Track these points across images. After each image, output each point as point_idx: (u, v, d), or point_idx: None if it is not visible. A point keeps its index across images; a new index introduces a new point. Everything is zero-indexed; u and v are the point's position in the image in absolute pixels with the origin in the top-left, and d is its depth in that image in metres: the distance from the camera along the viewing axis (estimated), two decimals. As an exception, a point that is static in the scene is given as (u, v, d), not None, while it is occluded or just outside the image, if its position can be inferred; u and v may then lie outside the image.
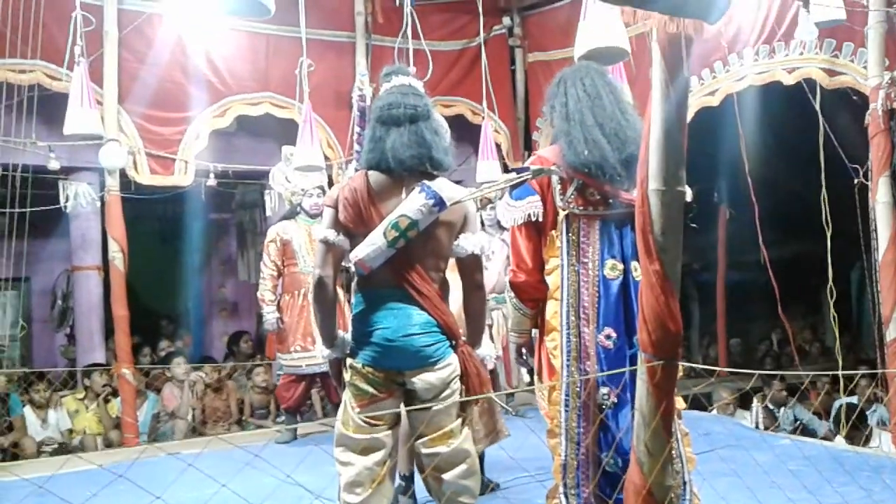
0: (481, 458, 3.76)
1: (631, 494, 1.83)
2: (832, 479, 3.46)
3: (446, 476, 2.54)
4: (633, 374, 2.65)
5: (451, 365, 2.55)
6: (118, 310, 5.50)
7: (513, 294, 2.95)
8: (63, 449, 5.60)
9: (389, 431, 2.56)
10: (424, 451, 2.54)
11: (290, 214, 5.37)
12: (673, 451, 2.62)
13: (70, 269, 6.74)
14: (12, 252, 5.60)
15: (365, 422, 2.52)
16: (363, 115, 3.00)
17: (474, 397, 2.59)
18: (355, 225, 2.53)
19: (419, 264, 2.52)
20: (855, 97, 4.86)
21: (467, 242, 2.59)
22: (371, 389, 2.52)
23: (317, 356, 5.13)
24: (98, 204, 6.05)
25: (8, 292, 7.45)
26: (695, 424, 3.11)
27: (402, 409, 2.61)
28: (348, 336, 2.64)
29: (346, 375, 2.59)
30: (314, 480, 3.46)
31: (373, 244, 2.47)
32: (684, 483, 2.78)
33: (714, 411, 6.07)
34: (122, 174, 5.66)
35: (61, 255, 7.33)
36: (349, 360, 2.59)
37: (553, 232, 2.85)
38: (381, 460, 2.53)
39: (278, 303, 5.21)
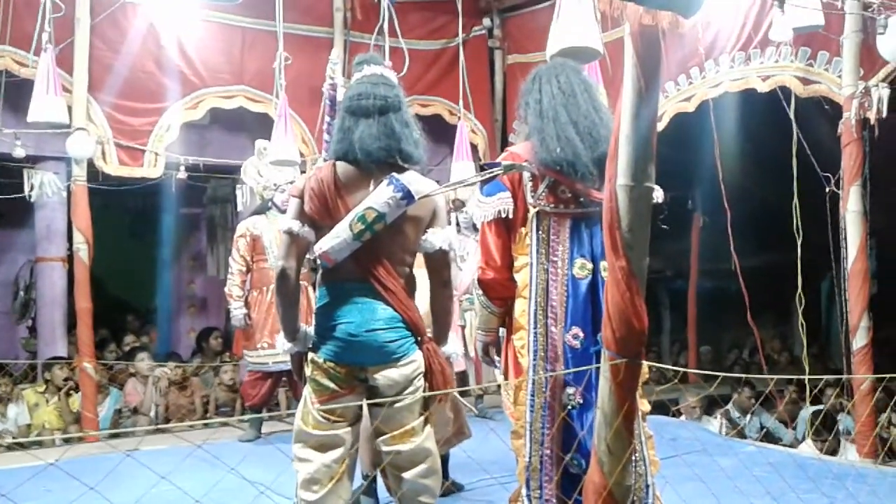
0: (445, 458, 3.71)
1: (591, 494, 1.80)
2: (796, 485, 3.46)
3: (406, 475, 2.50)
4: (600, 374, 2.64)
5: (414, 362, 2.50)
6: (81, 302, 5.39)
7: (481, 292, 2.92)
8: (18, 445, 5.46)
9: (349, 428, 2.51)
10: (385, 448, 2.50)
11: (261, 209, 5.31)
12: (636, 454, 2.60)
13: (34, 259, 6.60)
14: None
15: (324, 417, 2.48)
16: (333, 104, 2.96)
17: (437, 392, 2.55)
18: (321, 216, 2.48)
19: (385, 258, 2.48)
20: (827, 107, 4.89)
21: (435, 238, 2.54)
22: (332, 385, 2.48)
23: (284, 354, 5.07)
24: (64, 194, 5.92)
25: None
26: (661, 429, 3.10)
27: (364, 404, 2.56)
28: (310, 330, 2.59)
29: (307, 370, 2.54)
30: (273, 478, 3.41)
31: (338, 236, 2.42)
32: (647, 486, 2.76)
33: (682, 416, 6.08)
34: (90, 164, 5.56)
35: (25, 246, 7.18)
36: (310, 355, 2.54)
37: (523, 229, 2.82)
38: (340, 458, 2.48)
39: (246, 299, 5.14)
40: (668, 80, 5.63)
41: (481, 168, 2.82)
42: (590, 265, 2.81)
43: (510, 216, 2.82)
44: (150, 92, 5.89)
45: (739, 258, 5.26)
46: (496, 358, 3.07)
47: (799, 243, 4.98)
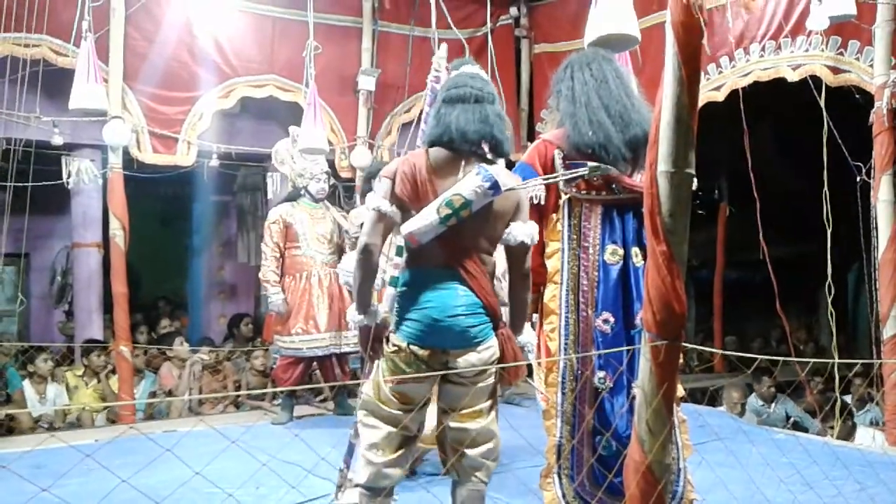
0: None
1: (631, 471, 1.85)
2: (827, 472, 3.49)
3: (469, 451, 2.57)
4: (631, 359, 2.69)
5: (492, 347, 2.56)
6: (118, 287, 5.50)
7: None
8: (55, 428, 5.61)
9: (416, 413, 2.58)
10: (453, 424, 2.57)
11: (293, 196, 5.37)
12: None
13: (70, 245, 6.74)
14: (12, 227, 5.59)
15: (395, 397, 2.55)
16: (434, 96, 3.02)
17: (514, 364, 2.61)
18: (410, 199, 2.55)
19: (469, 245, 2.54)
20: (857, 95, 4.87)
21: (519, 231, 2.58)
22: (408, 369, 2.53)
23: (318, 339, 5.16)
24: (100, 181, 6.04)
25: (7, 268, 7.47)
26: (691, 416, 3.13)
27: (434, 390, 2.63)
28: (381, 307, 2.68)
29: (386, 348, 2.59)
30: (308, 460, 3.50)
31: (425, 219, 2.48)
32: (679, 469, 2.81)
33: (723, 408, 6.10)
34: (125, 152, 5.66)
35: (61, 232, 7.32)
36: (392, 337, 2.59)
37: (554, 215, 2.86)
38: (404, 433, 2.58)
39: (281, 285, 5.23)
40: (698, 70, 5.61)
41: (565, 167, 2.85)
42: (621, 251, 2.85)
43: (542, 202, 2.86)
44: (184, 81, 5.98)
45: (766, 248, 5.26)
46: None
47: (829, 233, 4.97)
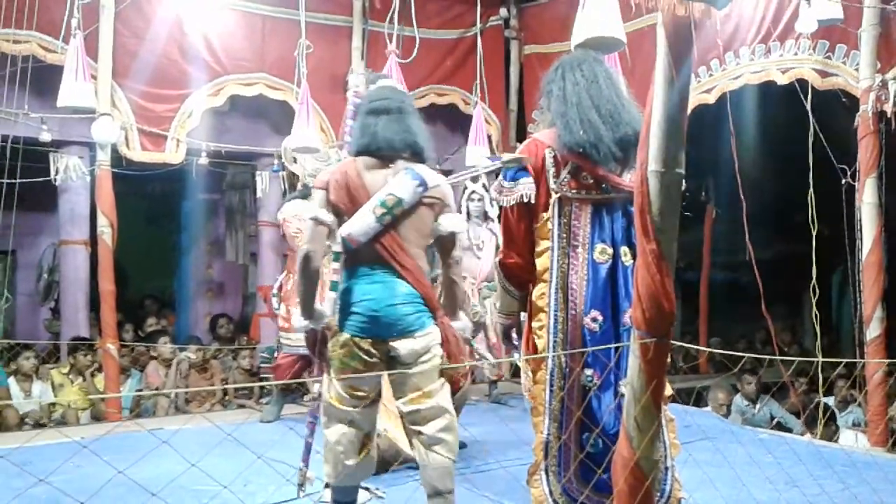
0: None
1: (619, 467, 1.87)
2: (811, 471, 3.53)
3: (424, 429, 2.72)
4: (619, 357, 2.72)
5: (430, 334, 2.74)
6: (105, 285, 5.48)
7: (502, 276, 2.99)
8: (43, 424, 5.58)
9: (371, 404, 2.79)
10: (406, 408, 2.75)
11: (304, 195, 5.28)
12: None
13: (57, 242, 6.70)
14: (-1, 224, 5.56)
15: (347, 393, 2.75)
16: (356, 110, 3.16)
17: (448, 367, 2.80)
18: (345, 205, 2.76)
19: (403, 241, 2.75)
20: (844, 99, 4.93)
21: (447, 222, 2.84)
22: (353, 363, 2.72)
23: None
24: (88, 178, 6.01)
25: (-7, 264, 7.43)
26: (677, 416, 3.15)
27: (384, 375, 2.76)
28: (325, 309, 2.84)
29: (331, 348, 2.78)
30: (295, 458, 3.52)
31: (362, 220, 2.70)
32: (666, 468, 2.83)
33: (709, 408, 6.14)
34: (114, 149, 5.64)
35: (49, 229, 7.27)
36: (337, 335, 2.76)
37: (544, 214, 2.88)
38: (361, 436, 2.80)
39: (280, 285, 5.25)
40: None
41: (556, 167, 2.93)
42: (610, 250, 2.87)
43: (532, 201, 2.88)
44: (173, 78, 5.96)
45: (752, 250, 5.30)
46: (517, 342, 3.15)
47: (814, 235, 5.02)
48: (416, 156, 2.85)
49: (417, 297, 2.73)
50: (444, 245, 2.87)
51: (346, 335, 2.72)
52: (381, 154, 2.79)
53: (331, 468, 2.79)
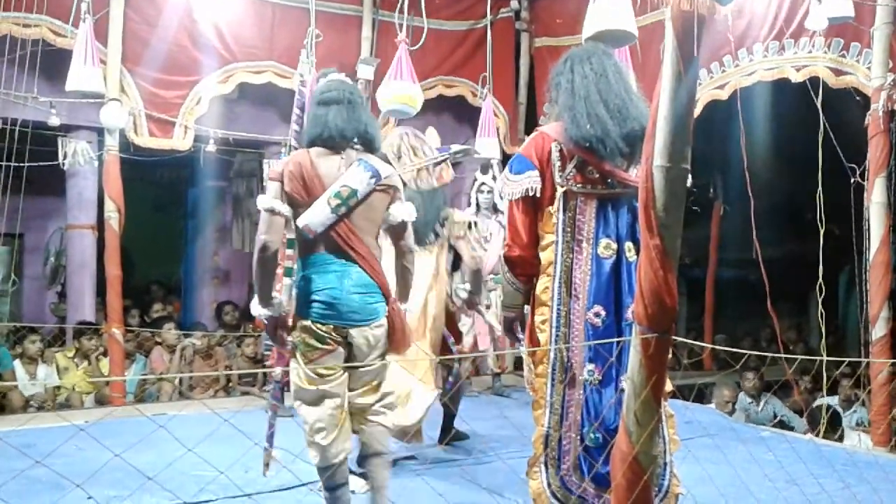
0: (451, 416, 4.01)
1: (618, 462, 1.87)
2: (812, 469, 3.53)
3: (371, 406, 2.93)
4: (620, 352, 2.71)
5: (383, 326, 2.89)
6: (111, 269, 5.51)
7: (507, 268, 2.98)
8: (46, 407, 5.61)
9: (340, 380, 2.87)
10: (358, 400, 2.91)
11: None
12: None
13: (64, 227, 6.72)
14: (6, 207, 5.58)
15: (317, 374, 2.83)
16: (302, 100, 3.20)
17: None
18: (300, 195, 2.83)
19: (358, 230, 2.85)
20: (858, 98, 4.89)
21: (398, 211, 2.94)
22: (319, 344, 2.82)
23: None
24: (96, 163, 6.03)
25: (1, 248, 7.45)
26: (678, 412, 3.15)
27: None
28: (283, 298, 2.96)
29: (295, 335, 2.87)
30: (296, 445, 3.54)
31: (318, 211, 2.79)
32: (665, 463, 2.82)
33: (712, 405, 6.14)
34: (122, 135, 5.65)
35: (56, 213, 7.30)
36: (299, 322, 2.86)
37: (550, 208, 2.87)
38: (338, 406, 2.86)
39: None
40: (701, 68, 5.64)
41: (562, 160, 2.94)
42: (614, 245, 2.85)
43: (538, 195, 2.87)
44: (183, 65, 5.97)
45: (759, 248, 5.29)
46: (521, 335, 3.14)
47: (822, 234, 5.00)
48: (367, 144, 2.95)
49: (373, 286, 2.85)
50: (396, 233, 2.99)
51: (307, 322, 2.82)
52: (333, 143, 2.88)
53: (316, 450, 2.86)
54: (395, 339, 2.93)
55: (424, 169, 3.60)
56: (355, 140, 2.92)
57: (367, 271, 2.84)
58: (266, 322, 2.90)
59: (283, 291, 2.96)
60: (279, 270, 3.10)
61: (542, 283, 2.89)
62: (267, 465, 3.34)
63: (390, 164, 3.28)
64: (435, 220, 3.96)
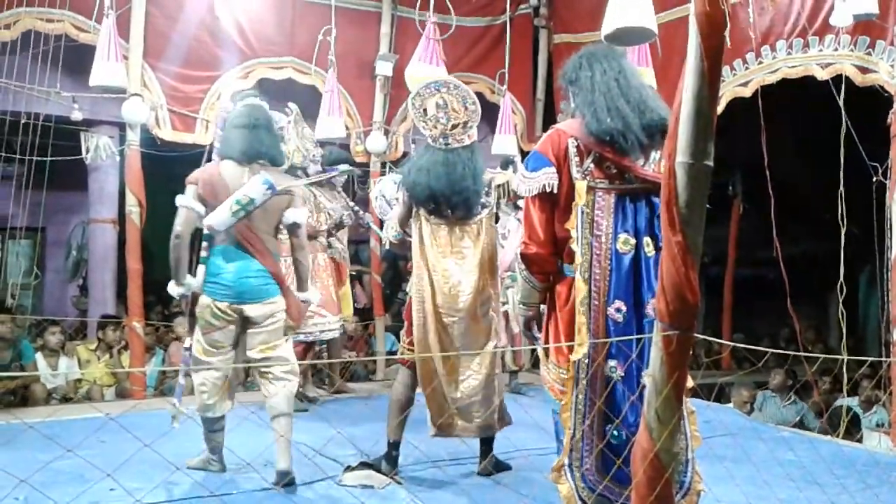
0: (490, 441, 3.78)
1: (638, 458, 1.87)
2: (833, 470, 3.50)
3: (273, 371, 3.50)
4: (641, 349, 2.70)
5: (276, 302, 3.53)
6: (132, 263, 5.55)
7: (523, 266, 2.97)
8: (69, 400, 5.66)
9: (228, 356, 3.50)
10: (257, 356, 3.50)
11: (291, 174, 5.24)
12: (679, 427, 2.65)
13: (86, 221, 6.79)
14: (30, 202, 5.64)
15: (210, 345, 3.48)
16: (224, 122, 3.81)
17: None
18: (210, 198, 3.46)
19: (256, 230, 3.49)
20: (886, 94, 4.83)
21: (291, 215, 3.60)
22: (214, 321, 3.45)
23: (329, 322, 5.20)
24: (118, 158, 6.08)
25: (24, 241, 7.53)
26: (698, 412, 3.14)
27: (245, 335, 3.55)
28: (193, 280, 3.49)
29: (198, 311, 3.48)
30: (314, 441, 3.57)
31: (221, 214, 3.38)
32: (687, 460, 2.81)
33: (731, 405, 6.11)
34: (143, 130, 5.70)
35: (78, 207, 7.37)
36: (201, 299, 3.48)
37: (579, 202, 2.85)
38: (222, 376, 3.49)
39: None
40: (724, 65, 5.58)
41: (580, 156, 2.90)
42: (633, 240, 2.84)
43: (555, 191, 2.86)
44: (204, 60, 6.02)
45: (779, 247, 5.24)
46: (537, 333, 3.13)
47: (843, 233, 4.95)
48: (271, 161, 3.59)
49: (266, 273, 3.48)
50: (291, 231, 3.64)
51: (209, 299, 3.45)
52: (238, 160, 3.51)
53: (198, 404, 3.50)
54: (290, 313, 3.57)
55: (460, 125, 3.60)
56: (257, 158, 3.53)
57: (261, 261, 3.48)
58: (181, 299, 3.55)
59: (199, 275, 3.50)
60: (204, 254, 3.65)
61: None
62: (174, 417, 3.67)
63: (297, 176, 4.21)
64: (481, 186, 3.59)
